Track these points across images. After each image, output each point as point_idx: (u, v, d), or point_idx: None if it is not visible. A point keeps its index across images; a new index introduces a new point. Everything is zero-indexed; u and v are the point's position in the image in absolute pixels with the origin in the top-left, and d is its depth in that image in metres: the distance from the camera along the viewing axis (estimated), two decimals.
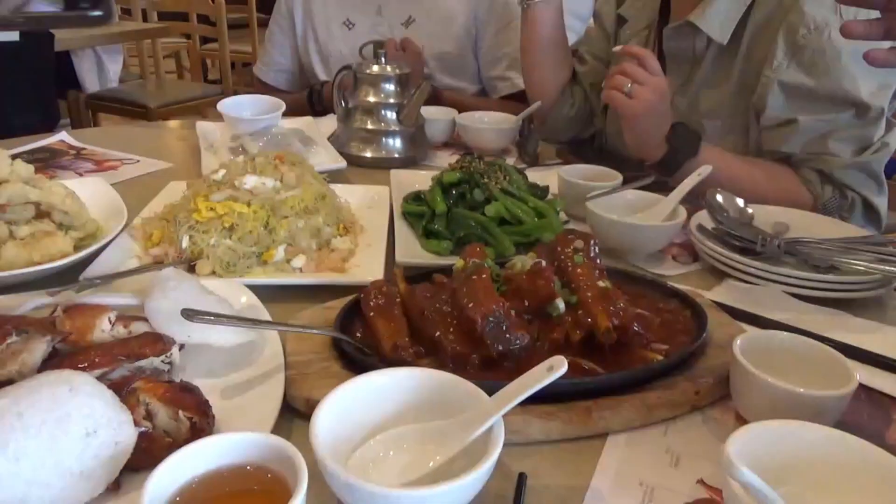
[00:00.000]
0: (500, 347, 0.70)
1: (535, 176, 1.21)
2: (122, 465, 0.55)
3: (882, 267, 0.92)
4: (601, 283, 0.77)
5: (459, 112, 1.60)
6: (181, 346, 0.71)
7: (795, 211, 1.12)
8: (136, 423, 0.58)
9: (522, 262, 0.79)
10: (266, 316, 0.80)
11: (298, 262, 0.93)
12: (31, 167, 0.94)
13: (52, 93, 2.98)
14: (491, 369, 0.71)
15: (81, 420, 0.53)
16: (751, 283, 0.96)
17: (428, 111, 1.57)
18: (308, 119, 1.62)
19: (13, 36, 2.38)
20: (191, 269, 0.90)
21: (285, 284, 0.90)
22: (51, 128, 2.54)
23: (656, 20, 1.41)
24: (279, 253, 0.93)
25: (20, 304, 0.73)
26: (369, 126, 1.45)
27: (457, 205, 1.06)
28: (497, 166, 1.12)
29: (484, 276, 0.75)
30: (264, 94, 1.67)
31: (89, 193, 1.04)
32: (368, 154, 1.45)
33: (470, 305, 0.71)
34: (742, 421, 0.69)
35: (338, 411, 0.59)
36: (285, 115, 1.53)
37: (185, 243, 0.91)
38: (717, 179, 1.12)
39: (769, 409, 0.63)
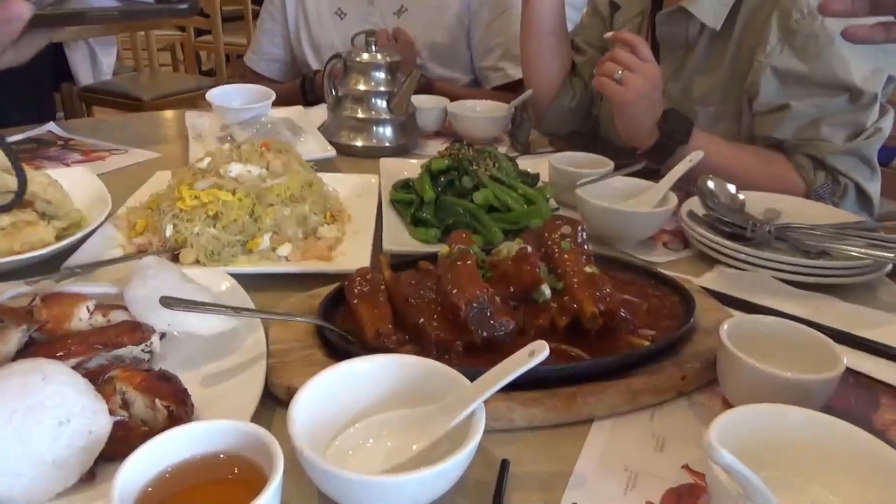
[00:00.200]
0: (485, 334, 0.69)
1: (527, 164, 1.20)
2: (96, 454, 0.54)
3: (873, 252, 0.91)
4: (588, 269, 0.76)
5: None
6: (162, 335, 0.71)
7: (787, 197, 1.11)
8: (112, 412, 0.57)
9: (508, 248, 0.78)
10: (249, 304, 0.79)
11: (284, 250, 0.92)
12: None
13: (48, 88, 2.96)
14: (475, 356, 0.70)
15: (54, 409, 0.53)
16: (741, 269, 0.95)
17: (419, 100, 1.56)
18: (298, 108, 1.60)
19: None
20: (175, 258, 0.89)
21: (270, 273, 0.89)
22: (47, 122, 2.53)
23: (649, 6, 1.40)
24: (264, 241, 0.92)
25: None
26: (359, 115, 1.43)
27: (445, 192, 1.05)
28: (487, 153, 1.11)
29: (469, 262, 0.74)
30: (255, 84, 1.65)
31: (73, 183, 1.03)
32: (359, 143, 1.44)
33: (454, 291, 0.70)
34: (729, 406, 0.68)
35: (317, 399, 0.58)
36: (277, 105, 1.52)
37: (168, 232, 0.90)
38: (708, 166, 1.11)
39: (756, 394, 0.62)
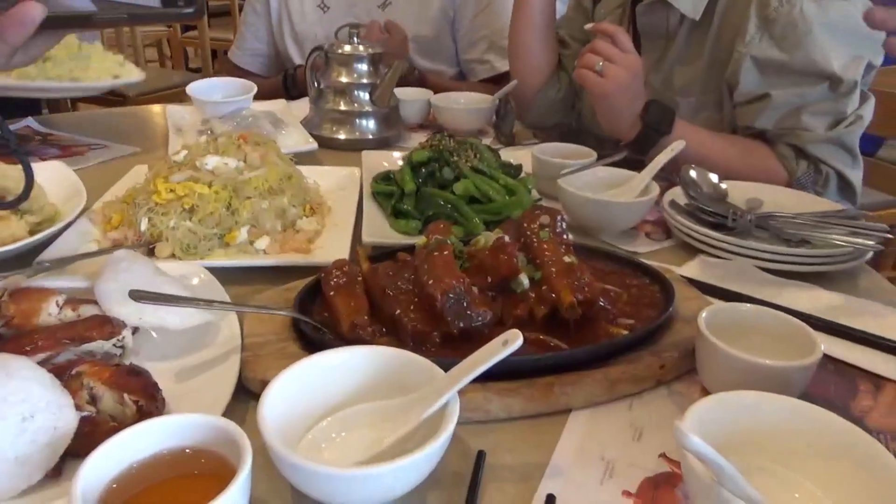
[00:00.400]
0: (461, 324, 0.68)
1: (511, 156, 1.19)
2: (61, 450, 0.53)
3: (854, 240, 0.91)
4: (567, 259, 0.75)
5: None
6: (135, 330, 0.70)
7: (769, 186, 1.11)
8: (79, 408, 0.56)
9: (486, 238, 0.77)
10: (225, 298, 0.78)
11: (262, 243, 0.91)
12: None
13: None
14: (453, 348, 0.69)
15: (17, 405, 0.52)
16: (723, 258, 0.95)
17: (403, 92, 1.55)
18: (280, 102, 1.59)
19: None
20: (151, 252, 0.88)
21: (247, 266, 0.88)
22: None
23: None
24: (242, 234, 0.91)
25: None
26: (342, 107, 1.42)
27: (426, 184, 1.04)
28: (468, 144, 1.10)
29: (446, 252, 0.73)
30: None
31: (48, 178, 1.01)
32: (342, 136, 1.43)
33: (430, 282, 0.69)
34: (707, 394, 0.68)
35: (290, 392, 0.57)
36: (261, 99, 1.51)
37: (143, 226, 0.89)
38: (690, 156, 1.11)
39: (734, 382, 0.62)
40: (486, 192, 1.01)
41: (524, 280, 0.73)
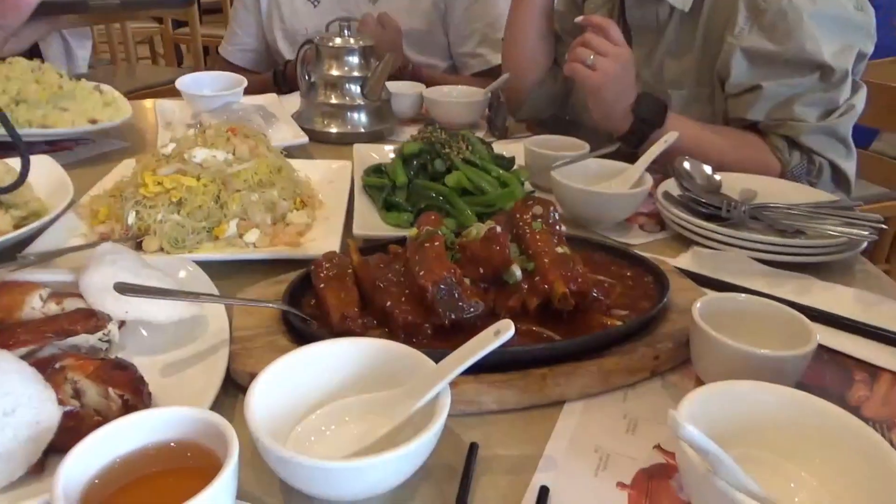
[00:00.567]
0: (453, 316, 0.67)
1: (504, 149, 1.18)
2: (44, 445, 0.52)
3: (848, 230, 0.91)
4: (559, 249, 0.75)
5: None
6: (121, 324, 0.68)
7: (763, 178, 1.11)
8: (63, 402, 0.55)
9: (478, 228, 0.76)
10: (213, 291, 0.77)
11: (252, 236, 0.90)
12: None
13: None
14: (445, 340, 0.68)
15: None
16: (717, 249, 0.94)
17: (395, 86, 1.53)
18: (271, 96, 1.58)
19: None
20: (138, 246, 0.87)
21: (237, 260, 0.87)
22: None
23: None
24: (231, 228, 0.89)
25: None
26: (333, 100, 1.41)
27: (418, 176, 1.03)
28: (460, 136, 1.09)
29: (437, 243, 0.72)
30: None
31: (35, 172, 0.99)
32: (333, 129, 1.41)
33: (421, 273, 0.68)
34: (702, 385, 0.67)
35: (278, 385, 0.56)
36: (251, 94, 1.49)
37: (131, 219, 0.87)
38: (683, 149, 1.10)
39: (729, 372, 0.61)
40: (478, 184, 1.00)
41: (516, 271, 0.72)
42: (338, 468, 0.48)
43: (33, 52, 3.17)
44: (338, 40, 1.40)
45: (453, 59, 1.94)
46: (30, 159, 0.68)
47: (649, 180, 1.04)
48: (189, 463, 0.49)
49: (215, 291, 0.77)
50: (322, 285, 0.73)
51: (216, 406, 0.61)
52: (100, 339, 0.65)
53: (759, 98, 1.16)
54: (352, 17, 1.51)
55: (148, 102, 1.67)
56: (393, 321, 0.68)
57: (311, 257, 0.80)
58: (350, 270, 0.75)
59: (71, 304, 0.67)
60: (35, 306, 0.65)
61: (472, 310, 0.68)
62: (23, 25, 0.59)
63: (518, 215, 0.79)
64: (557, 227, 0.80)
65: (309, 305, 0.74)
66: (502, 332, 0.54)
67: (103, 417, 0.56)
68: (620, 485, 0.56)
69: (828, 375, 0.71)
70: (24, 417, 0.51)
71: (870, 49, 1.16)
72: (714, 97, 1.26)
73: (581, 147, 1.17)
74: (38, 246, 0.85)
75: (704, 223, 0.95)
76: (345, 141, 1.37)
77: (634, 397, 0.67)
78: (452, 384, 0.56)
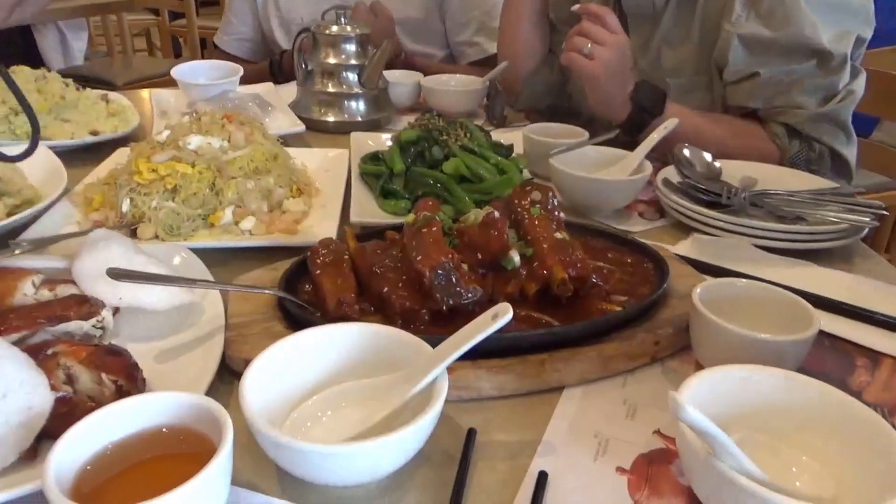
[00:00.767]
0: (451, 301, 0.67)
1: (502, 137, 1.17)
2: (36, 431, 0.51)
3: (849, 216, 0.90)
4: (558, 235, 0.74)
5: None
6: (115, 311, 0.68)
7: (764, 165, 1.10)
8: (55, 388, 0.54)
9: (476, 214, 0.75)
10: (209, 278, 0.76)
11: (247, 224, 0.89)
12: None
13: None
14: (443, 326, 0.68)
15: None
16: (717, 236, 0.93)
17: (392, 74, 1.52)
18: (268, 85, 1.56)
19: None
20: (133, 233, 0.86)
21: (233, 247, 0.86)
22: None
23: None
24: (227, 215, 0.88)
25: None
26: (330, 89, 1.40)
27: (415, 163, 1.02)
28: (458, 124, 1.08)
29: (434, 228, 0.71)
30: None
31: (28, 160, 0.98)
32: (330, 118, 1.40)
33: (418, 258, 0.67)
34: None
35: (273, 371, 0.55)
36: (248, 84, 1.48)
37: (125, 207, 0.86)
38: (682, 138, 1.09)
39: (729, 357, 0.60)
40: (476, 171, 0.99)
41: (515, 257, 0.71)
42: (333, 452, 0.47)
43: (28, 46, 3.16)
44: (334, 28, 1.39)
45: (450, 48, 1.93)
46: (39, 128, 0.67)
47: (649, 167, 1.04)
48: (183, 448, 0.49)
49: (210, 278, 0.76)
50: (318, 271, 0.72)
51: (212, 393, 0.60)
52: (94, 326, 0.65)
53: (757, 85, 1.15)
54: (346, 4, 1.49)
55: (144, 92, 1.66)
56: (390, 307, 0.68)
57: (308, 244, 0.79)
58: (347, 256, 0.74)
59: (64, 291, 0.66)
60: (27, 292, 0.64)
61: (470, 295, 0.67)
62: None
63: (516, 201, 0.79)
64: (556, 213, 0.79)
65: (305, 292, 0.74)
66: (500, 315, 0.53)
67: (97, 403, 0.55)
68: (620, 469, 0.56)
69: (829, 361, 0.71)
70: (15, 403, 0.50)
71: (868, 34, 1.14)
72: (712, 85, 1.25)
73: (580, 135, 1.16)
74: (32, 234, 0.84)
75: (704, 210, 0.95)
76: (342, 130, 1.36)
77: (634, 383, 0.66)
78: (450, 369, 0.55)
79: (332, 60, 1.39)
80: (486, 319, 0.54)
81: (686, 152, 1.07)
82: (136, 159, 0.90)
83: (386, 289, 0.68)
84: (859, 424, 0.51)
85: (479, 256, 0.72)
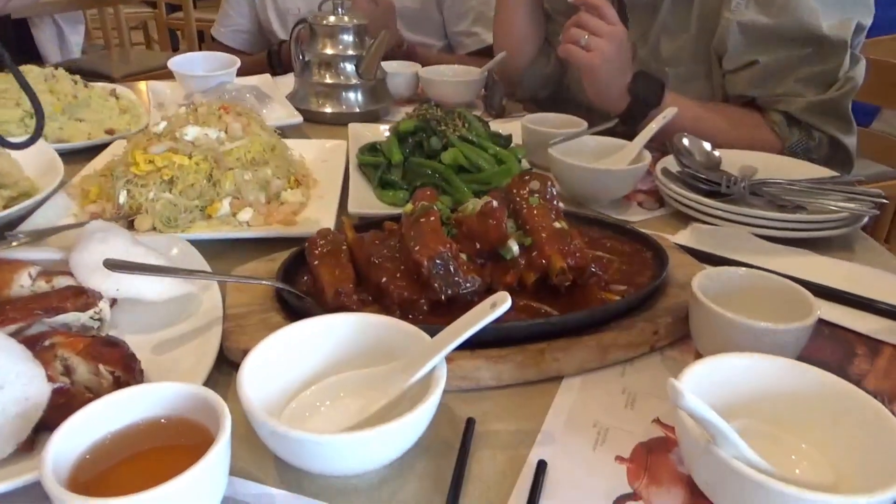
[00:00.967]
0: (449, 291, 0.66)
1: (501, 128, 1.16)
2: (33, 422, 0.51)
3: (849, 205, 0.90)
4: (557, 224, 0.73)
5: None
6: (113, 302, 0.67)
7: (763, 154, 1.09)
8: (52, 379, 0.54)
9: (474, 203, 0.75)
10: (206, 269, 0.75)
11: (245, 215, 0.88)
12: None
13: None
14: (442, 316, 0.67)
15: None
16: (717, 225, 0.93)
17: (390, 65, 1.51)
18: (265, 76, 1.55)
19: None
20: (130, 225, 0.86)
21: (230, 239, 0.85)
22: None
23: None
24: (224, 206, 0.88)
25: None
26: (328, 80, 1.39)
27: (413, 154, 1.02)
28: (456, 114, 1.08)
29: (432, 218, 0.71)
30: None
31: (25, 152, 0.98)
32: (328, 109, 1.40)
33: (416, 248, 0.67)
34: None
35: (271, 361, 0.55)
36: (245, 75, 1.47)
37: (122, 198, 0.86)
38: (681, 128, 1.08)
39: (729, 345, 0.60)
40: (475, 162, 0.99)
41: (514, 246, 0.71)
42: (331, 442, 0.47)
43: (24, 40, 3.14)
44: (332, 18, 1.38)
45: (448, 39, 1.92)
46: (44, 114, 0.66)
47: (647, 157, 1.03)
48: (181, 439, 0.49)
49: (208, 269, 0.76)
50: (316, 262, 0.71)
51: (209, 384, 0.60)
52: (91, 318, 0.65)
53: (756, 73, 1.15)
54: None
55: (141, 84, 1.65)
56: (388, 297, 0.67)
57: (306, 236, 0.79)
58: (345, 247, 0.74)
59: (61, 282, 0.66)
60: (24, 284, 0.64)
61: (468, 285, 0.67)
62: None
63: (515, 191, 0.78)
64: (555, 203, 0.79)
65: (303, 283, 0.73)
66: (499, 304, 0.53)
67: (94, 394, 0.55)
68: (619, 458, 0.56)
69: (828, 349, 0.70)
70: (12, 394, 0.50)
71: (868, 21, 1.14)
72: (711, 74, 1.25)
73: (578, 124, 1.16)
74: (29, 226, 0.84)
75: (704, 199, 0.94)
76: (340, 121, 1.35)
77: (633, 372, 0.66)
78: (449, 359, 0.55)
79: (329, 51, 1.39)
80: (484, 308, 0.54)
81: (685, 141, 1.07)
82: (132, 151, 0.90)
83: (384, 279, 0.68)
84: (859, 412, 0.51)
85: (478, 246, 0.72)
